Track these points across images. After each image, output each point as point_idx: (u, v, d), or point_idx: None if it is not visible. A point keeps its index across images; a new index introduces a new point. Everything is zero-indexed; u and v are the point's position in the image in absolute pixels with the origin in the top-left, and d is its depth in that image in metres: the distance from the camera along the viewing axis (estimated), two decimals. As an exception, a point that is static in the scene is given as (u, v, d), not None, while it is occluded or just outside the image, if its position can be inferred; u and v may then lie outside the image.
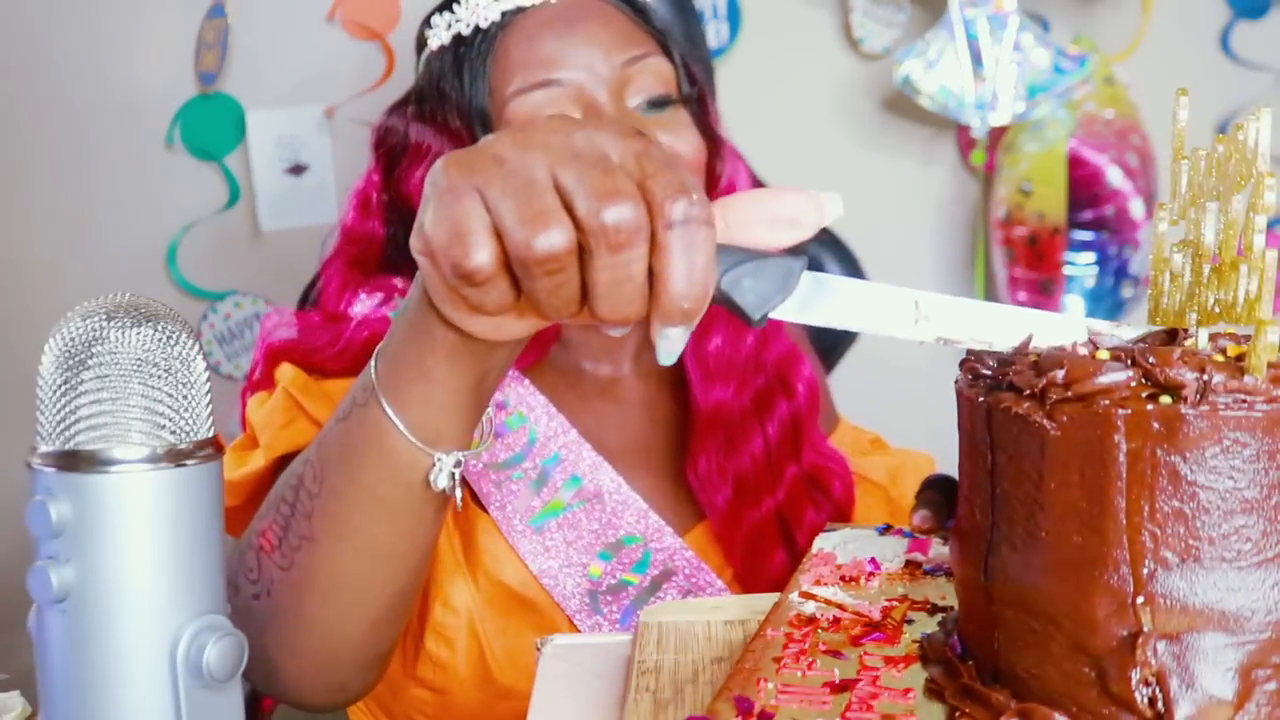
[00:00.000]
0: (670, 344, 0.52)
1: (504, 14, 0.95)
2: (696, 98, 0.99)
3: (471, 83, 0.95)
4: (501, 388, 0.98)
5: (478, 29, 0.95)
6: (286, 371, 0.93)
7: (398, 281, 1.01)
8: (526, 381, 1.00)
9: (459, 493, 0.66)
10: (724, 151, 1.01)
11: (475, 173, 0.51)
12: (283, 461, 0.89)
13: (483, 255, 0.51)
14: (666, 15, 1.05)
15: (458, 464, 0.66)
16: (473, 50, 0.95)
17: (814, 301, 0.54)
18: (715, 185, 1.00)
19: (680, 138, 0.95)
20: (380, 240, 1.02)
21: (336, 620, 0.72)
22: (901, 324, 0.54)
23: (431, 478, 0.65)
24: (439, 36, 0.98)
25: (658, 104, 0.95)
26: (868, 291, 0.55)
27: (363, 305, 0.99)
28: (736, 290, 0.53)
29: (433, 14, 1.00)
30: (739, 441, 1.02)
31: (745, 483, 1.01)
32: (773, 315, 0.54)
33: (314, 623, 0.72)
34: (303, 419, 0.90)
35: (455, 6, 0.97)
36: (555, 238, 0.50)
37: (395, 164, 1.01)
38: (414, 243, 0.54)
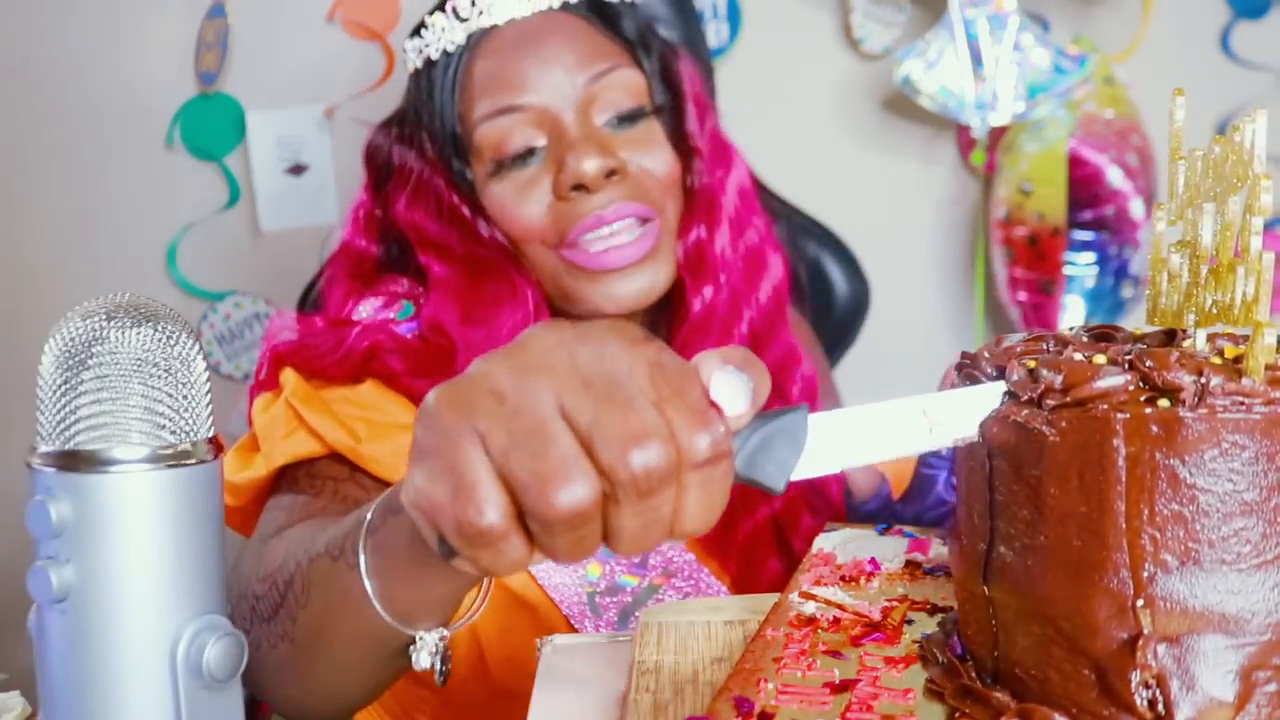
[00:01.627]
0: None
1: (469, 36, 0.95)
2: (672, 106, 0.98)
3: (442, 108, 0.96)
4: None
5: (445, 53, 0.95)
6: (289, 379, 0.93)
7: (400, 285, 1.01)
8: None
9: (440, 667, 0.62)
10: (704, 160, 0.99)
11: (474, 414, 0.44)
12: (283, 470, 0.90)
13: (493, 514, 0.43)
14: (645, 20, 1.01)
15: (442, 638, 0.62)
16: (443, 75, 0.96)
17: (827, 447, 0.51)
18: (694, 200, 0.98)
19: (650, 154, 0.95)
20: (374, 256, 1.02)
21: (314, 696, 0.72)
22: (917, 439, 0.52)
23: (412, 654, 0.62)
24: (413, 61, 0.99)
25: (627, 119, 0.95)
26: (874, 416, 0.52)
27: (367, 307, 0.99)
28: (755, 471, 0.49)
29: (411, 35, 1.00)
30: None
31: (734, 496, 1.00)
32: (794, 477, 0.51)
33: (294, 689, 0.72)
34: (303, 430, 0.90)
35: (424, 31, 0.97)
36: (579, 492, 0.43)
37: (383, 182, 1.02)
38: (408, 497, 0.46)
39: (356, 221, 1.03)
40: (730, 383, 0.47)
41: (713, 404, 0.46)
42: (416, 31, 0.98)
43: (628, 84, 0.95)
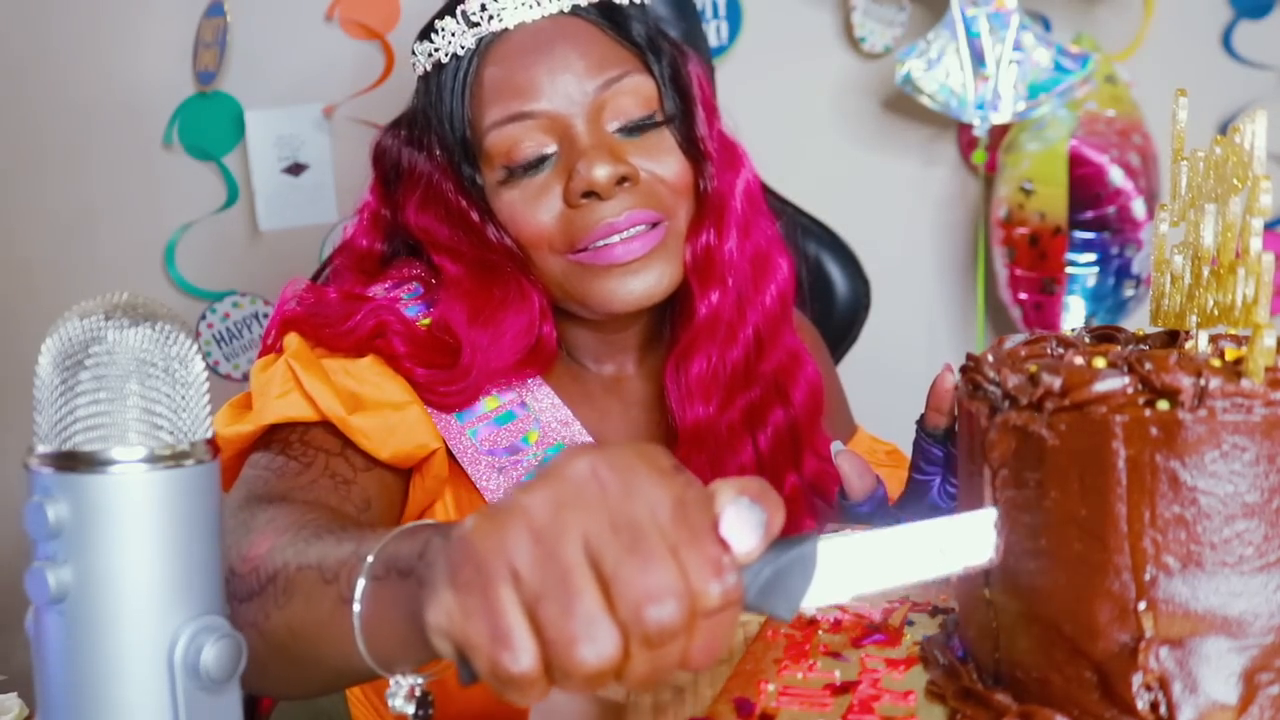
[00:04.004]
0: None
1: (479, 40, 0.94)
2: (682, 111, 0.98)
3: (451, 112, 0.95)
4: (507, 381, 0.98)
5: (455, 57, 0.95)
6: (293, 342, 0.94)
7: (414, 269, 1.01)
8: (561, 402, 1.00)
9: (418, 712, 0.61)
10: (714, 164, 0.99)
11: (509, 549, 0.47)
12: (273, 430, 0.90)
13: (527, 662, 0.46)
14: (654, 22, 1.00)
15: (416, 684, 0.61)
16: (452, 79, 0.95)
17: (838, 576, 0.52)
18: (703, 204, 0.98)
19: (661, 163, 0.94)
20: (379, 254, 1.03)
21: (266, 679, 0.71)
22: (928, 565, 0.53)
23: (389, 699, 0.61)
24: (422, 64, 0.98)
25: (637, 126, 0.94)
26: (885, 542, 0.53)
27: (378, 289, 1.00)
28: (764, 603, 0.51)
29: (420, 38, 1.00)
30: (726, 457, 1.00)
31: None
32: (803, 606, 0.52)
33: (263, 673, 0.69)
34: (297, 392, 0.90)
35: (434, 35, 0.97)
36: (602, 651, 0.46)
37: (391, 184, 1.01)
38: (440, 624, 0.49)
39: (362, 222, 1.03)
40: (743, 517, 0.49)
41: (722, 541, 0.48)
42: (426, 35, 0.98)
43: (638, 90, 0.95)
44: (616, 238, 0.93)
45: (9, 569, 0.74)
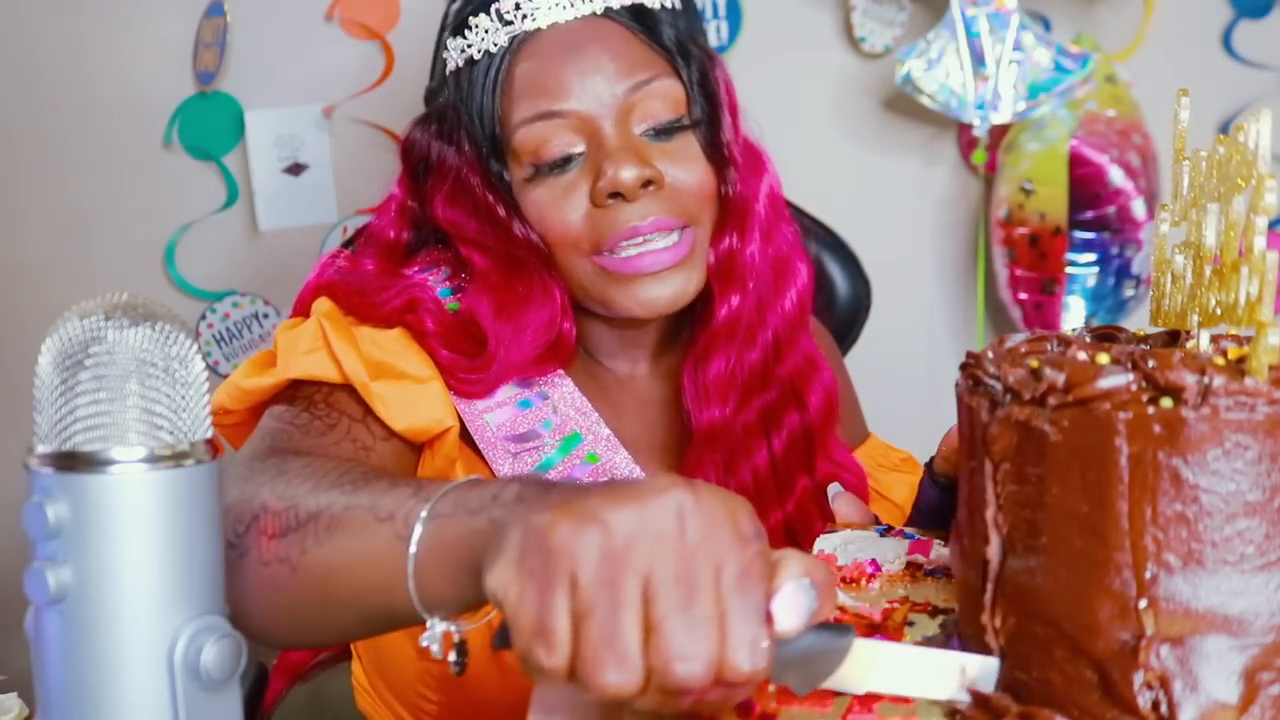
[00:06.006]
0: None
1: (512, 39, 0.95)
2: (709, 116, 0.98)
3: (482, 109, 0.96)
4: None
5: (488, 54, 0.96)
6: (325, 305, 0.95)
7: (444, 254, 1.02)
8: (585, 399, 1.01)
9: (457, 659, 0.65)
10: (738, 170, 0.99)
11: (578, 557, 0.50)
12: (296, 386, 0.91)
13: (558, 661, 0.50)
14: (685, 27, 1.00)
15: (455, 630, 0.64)
16: (483, 76, 0.96)
17: (858, 673, 0.54)
18: (727, 208, 0.99)
19: (687, 169, 0.95)
20: (405, 243, 1.03)
21: (289, 623, 0.72)
22: (945, 686, 0.55)
23: (422, 641, 0.64)
24: (454, 59, 0.99)
25: (665, 130, 0.95)
26: (913, 658, 0.56)
27: (408, 273, 1.01)
28: (784, 677, 0.53)
29: (448, 31, 1.00)
30: (740, 458, 1.01)
31: (748, 498, 0.99)
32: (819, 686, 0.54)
33: (269, 611, 0.71)
34: (324, 352, 0.91)
35: (467, 31, 0.97)
36: (624, 682, 0.49)
37: (420, 177, 1.02)
38: (497, 589, 0.52)
39: (388, 213, 1.04)
40: (798, 599, 0.51)
41: (769, 614, 0.50)
42: (459, 30, 0.98)
43: (667, 94, 0.95)
44: (641, 241, 0.93)
45: (9, 569, 0.74)
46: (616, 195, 0.92)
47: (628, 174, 0.91)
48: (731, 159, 0.99)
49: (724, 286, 0.98)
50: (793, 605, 0.50)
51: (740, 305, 0.99)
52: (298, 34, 1.89)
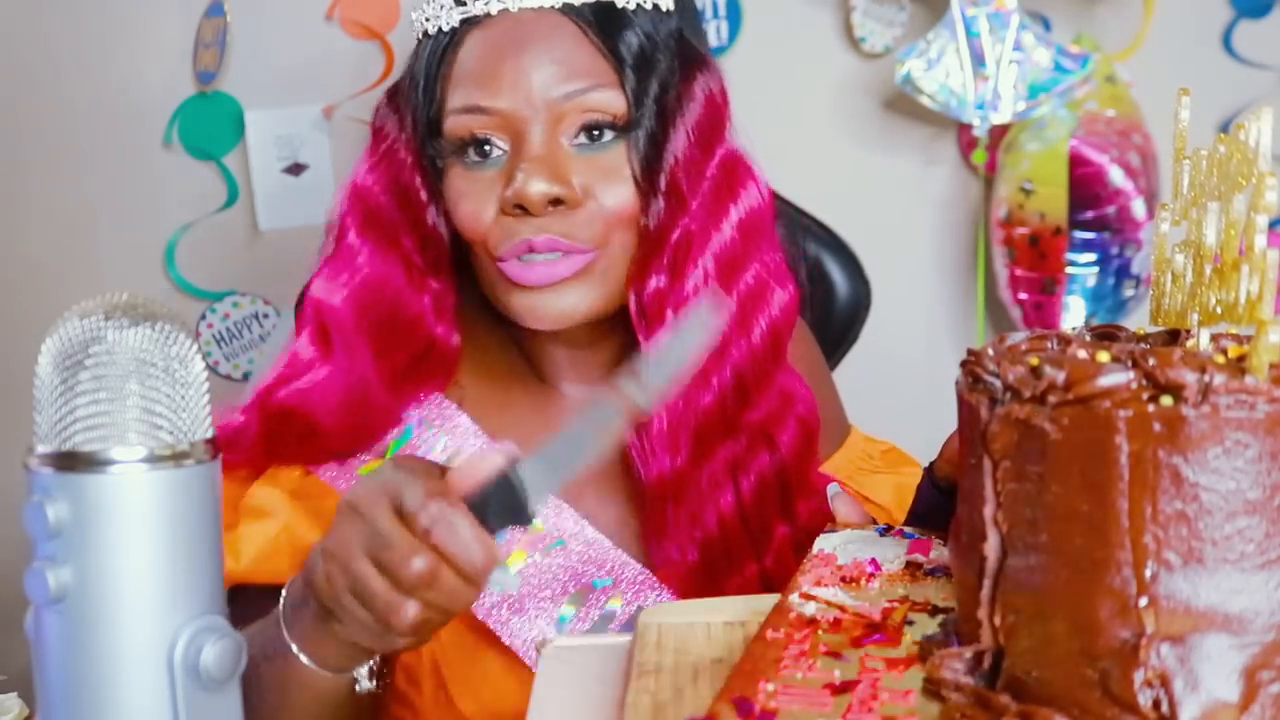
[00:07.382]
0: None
1: (463, 20, 0.91)
2: (652, 133, 0.91)
3: (424, 87, 0.93)
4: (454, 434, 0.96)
5: (440, 31, 0.92)
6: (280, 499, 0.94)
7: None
8: (477, 427, 0.96)
9: (375, 684, 0.81)
10: (682, 199, 0.91)
11: (349, 543, 0.69)
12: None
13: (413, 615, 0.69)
14: (665, 33, 0.95)
15: (373, 661, 0.79)
16: (429, 54, 0.93)
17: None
18: (649, 236, 0.90)
19: (610, 188, 0.89)
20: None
21: None
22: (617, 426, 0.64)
23: (358, 688, 0.79)
24: (416, 30, 0.96)
25: (594, 143, 0.89)
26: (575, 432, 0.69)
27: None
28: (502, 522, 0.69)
29: (422, 3, 0.98)
30: (701, 509, 0.92)
31: (714, 550, 0.93)
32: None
33: None
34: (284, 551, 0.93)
35: (426, 4, 0.94)
36: (405, 611, 0.68)
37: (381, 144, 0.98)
38: (317, 583, 0.72)
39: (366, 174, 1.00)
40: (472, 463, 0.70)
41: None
42: (422, 2, 0.95)
43: (605, 106, 0.89)
44: (531, 256, 0.88)
45: (9, 569, 0.74)
46: (520, 208, 0.87)
47: (535, 188, 0.86)
48: (673, 185, 0.91)
49: (650, 330, 0.90)
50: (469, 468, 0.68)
51: None
52: (297, 34, 1.90)
